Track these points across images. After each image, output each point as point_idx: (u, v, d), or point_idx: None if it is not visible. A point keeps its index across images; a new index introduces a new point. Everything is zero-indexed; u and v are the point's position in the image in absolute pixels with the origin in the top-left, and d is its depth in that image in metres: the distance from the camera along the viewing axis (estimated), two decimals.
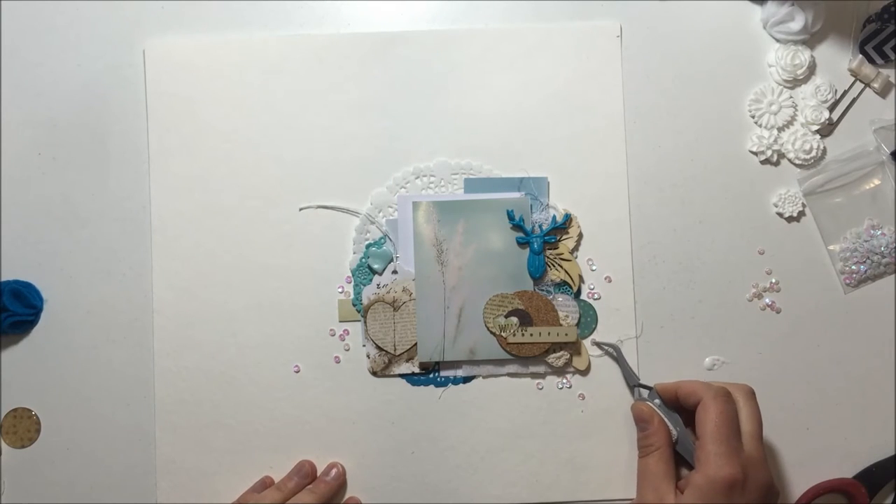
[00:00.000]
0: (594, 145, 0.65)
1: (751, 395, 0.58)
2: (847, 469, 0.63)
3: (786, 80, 0.65)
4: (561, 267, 0.63)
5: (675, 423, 0.59)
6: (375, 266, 0.63)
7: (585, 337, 0.63)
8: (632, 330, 0.64)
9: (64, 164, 0.65)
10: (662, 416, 0.59)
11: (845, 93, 0.66)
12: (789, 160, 0.65)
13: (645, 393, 0.61)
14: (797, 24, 0.64)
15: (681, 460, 0.59)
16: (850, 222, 0.65)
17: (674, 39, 0.66)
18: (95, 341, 0.64)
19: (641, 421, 0.60)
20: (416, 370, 0.63)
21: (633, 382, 0.62)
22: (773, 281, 0.64)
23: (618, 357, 0.63)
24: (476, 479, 0.63)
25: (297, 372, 0.63)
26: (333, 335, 0.64)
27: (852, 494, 0.62)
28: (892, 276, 0.64)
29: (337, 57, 0.65)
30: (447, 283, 0.63)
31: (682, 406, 0.59)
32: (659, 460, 0.58)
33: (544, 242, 0.63)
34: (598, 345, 0.63)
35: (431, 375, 0.63)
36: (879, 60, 0.65)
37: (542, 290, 0.63)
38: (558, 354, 0.63)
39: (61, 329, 0.64)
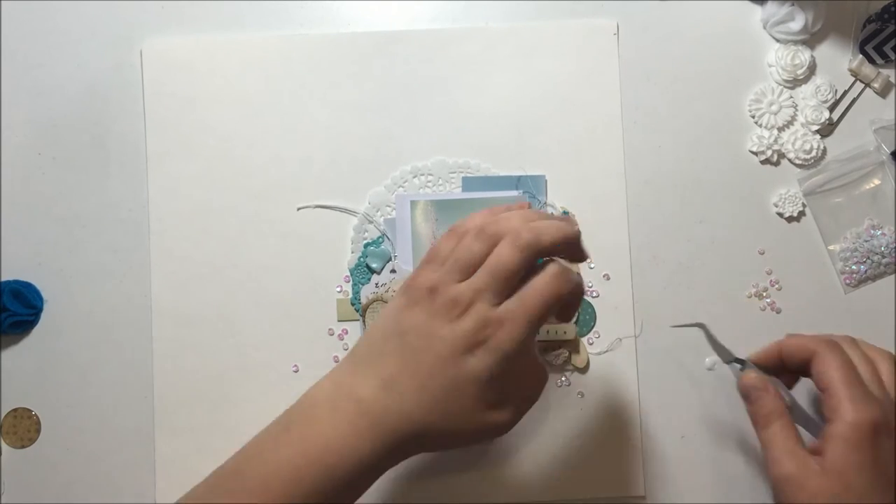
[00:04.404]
0: (592, 143, 0.64)
1: (852, 341, 0.55)
2: None
3: (786, 80, 0.65)
4: None
5: (783, 390, 0.55)
6: (374, 265, 0.63)
7: (584, 335, 0.63)
8: (631, 328, 0.63)
9: (64, 164, 0.65)
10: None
11: (845, 93, 0.65)
12: (789, 160, 0.65)
13: (737, 368, 0.58)
14: (797, 24, 0.64)
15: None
16: (850, 222, 0.64)
17: (673, 39, 0.66)
18: (95, 341, 0.64)
19: (754, 390, 0.54)
20: None
21: (727, 359, 0.58)
22: (773, 280, 0.64)
23: (706, 335, 0.59)
24: (474, 479, 0.62)
25: (297, 372, 0.63)
26: (332, 335, 0.64)
27: None
28: (892, 276, 0.64)
29: (337, 57, 0.65)
30: None
31: (785, 370, 0.56)
32: (784, 426, 0.52)
33: None
34: (680, 326, 0.61)
35: None
36: (879, 60, 0.65)
37: None
38: (557, 352, 0.63)
39: (61, 329, 0.64)
